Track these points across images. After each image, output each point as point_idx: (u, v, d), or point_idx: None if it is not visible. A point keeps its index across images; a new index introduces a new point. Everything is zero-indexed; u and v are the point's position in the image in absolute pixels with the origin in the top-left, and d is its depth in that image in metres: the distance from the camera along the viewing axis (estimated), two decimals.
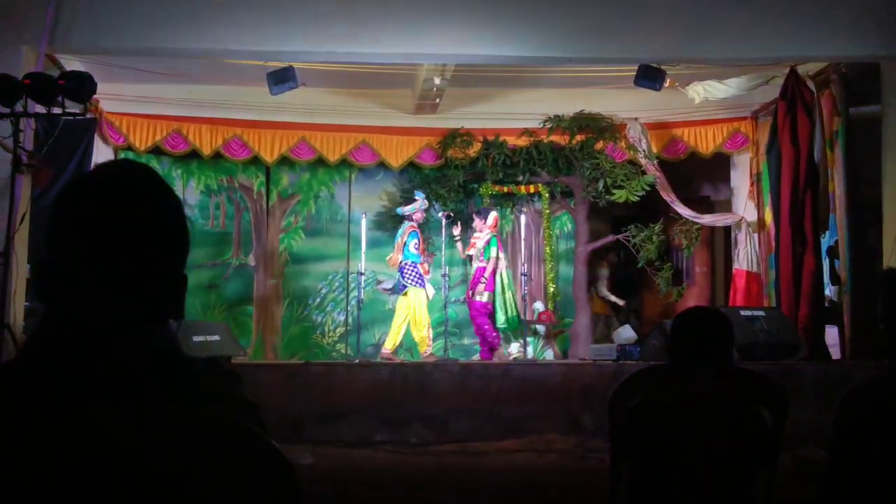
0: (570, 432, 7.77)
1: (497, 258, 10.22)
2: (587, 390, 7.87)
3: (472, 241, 10.41)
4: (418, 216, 10.20)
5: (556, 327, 11.40)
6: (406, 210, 10.27)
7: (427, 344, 9.81)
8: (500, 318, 10.39)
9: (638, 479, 2.87)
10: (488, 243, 10.21)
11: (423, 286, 9.87)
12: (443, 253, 10.42)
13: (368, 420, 7.89)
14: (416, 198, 10.37)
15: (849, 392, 2.41)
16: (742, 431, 2.81)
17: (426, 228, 11.20)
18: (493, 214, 10.49)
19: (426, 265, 10.06)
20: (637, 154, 10.98)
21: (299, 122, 11.09)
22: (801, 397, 6.91)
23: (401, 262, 9.92)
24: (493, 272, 10.21)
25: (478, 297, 10.16)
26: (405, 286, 9.87)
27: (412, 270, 9.86)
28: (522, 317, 10.25)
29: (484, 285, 10.14)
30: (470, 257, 10.48)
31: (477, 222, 10.44)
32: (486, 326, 10.14)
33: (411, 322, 9.82)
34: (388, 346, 9.83)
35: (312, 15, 8.27)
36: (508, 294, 10.44)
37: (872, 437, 2.32)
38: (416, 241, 9.95)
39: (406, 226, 10.09)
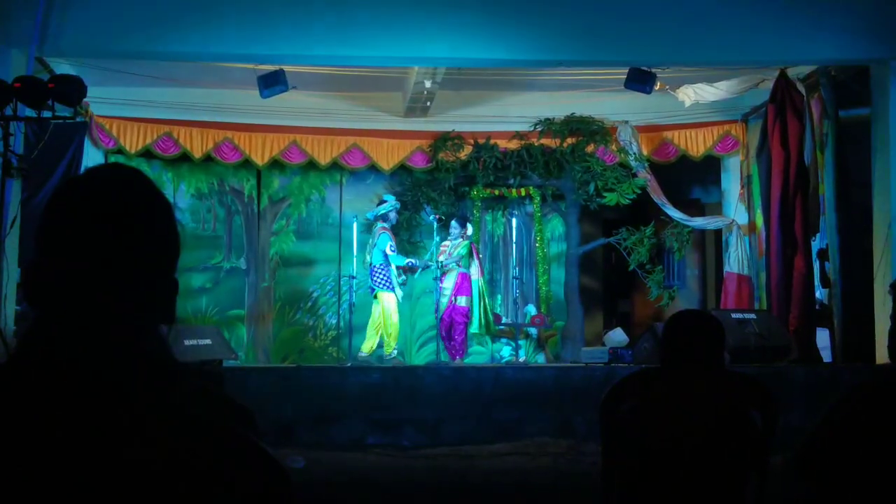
0: (562, 435, 7.77)
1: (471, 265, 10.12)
2: (579, 393, 7.87)
3: (443, 247, 10.21)
4: (393, 216, 10.06)
5: (548, 330, 11.40)
6: (377, 212, 10.08)
7: (392, 346, 9.75)
8: (475, 325, 10.18)
9: (630, 483, 2.87)
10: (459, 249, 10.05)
11: (392, 290, 9.73)
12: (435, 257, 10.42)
13: (360, 423, 7.88)
14: (386, 200, 10.19)
15: (853, 387, 2.41)
16: (733, 434, 2.82)
17: (417, 231, 11.23)
18: (469, 225, 10.43)
19: (413, 267, 9.97)
20: (628, 157, 11.00)
21: (290, 126, 11.09)
22: (791, 400, 6.93)
23: (371, 266, 9.79)
24: (469, 278, 10.09)
25: (461, 303, 10.03)
26: (374, 289, 9.80)
27: (382, 274, 9.73)
28: (511, 321, 10.22)
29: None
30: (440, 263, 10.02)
31: (456, 229, 10.16)
32: (461, 334, 10.04)
33: (381, 325, 9.76)
34: (365, 349, 9.80)
35: (302, 18, 8.27)
36: (486, 301, 10.24)
37: (868, 435, 2.32)
38: (390, 243, 9.78)
39: (378, 227, 9.94)
